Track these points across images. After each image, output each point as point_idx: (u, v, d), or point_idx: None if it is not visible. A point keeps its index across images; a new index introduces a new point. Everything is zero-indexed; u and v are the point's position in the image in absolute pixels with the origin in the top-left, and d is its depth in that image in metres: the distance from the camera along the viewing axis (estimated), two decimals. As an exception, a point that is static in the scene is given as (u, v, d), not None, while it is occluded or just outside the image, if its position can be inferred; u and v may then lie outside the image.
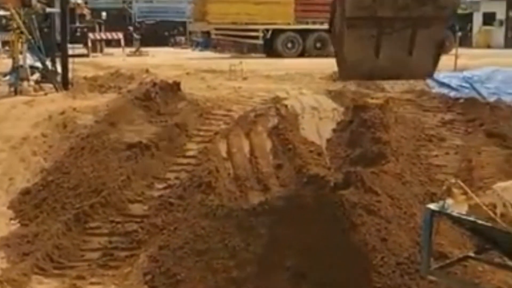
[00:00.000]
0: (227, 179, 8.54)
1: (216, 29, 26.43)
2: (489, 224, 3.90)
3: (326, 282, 5.93)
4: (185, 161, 8.99)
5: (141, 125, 9.86)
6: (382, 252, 6.06)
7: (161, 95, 10.72)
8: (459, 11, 27.15)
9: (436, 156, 8.80)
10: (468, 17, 35.10)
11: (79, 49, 24.10)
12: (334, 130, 9.77)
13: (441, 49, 5.07)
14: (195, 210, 7.30)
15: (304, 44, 25.99)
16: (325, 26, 26.42)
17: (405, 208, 6.70)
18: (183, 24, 39.25)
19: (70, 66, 13.77)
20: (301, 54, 25.79)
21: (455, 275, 5.06)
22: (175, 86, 11.26)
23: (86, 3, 31.25)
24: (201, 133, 9.88)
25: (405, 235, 6.26)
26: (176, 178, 8.45)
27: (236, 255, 6.37)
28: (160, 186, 8.31)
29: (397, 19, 5.00)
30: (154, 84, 11.14)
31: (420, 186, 7.52)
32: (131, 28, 33.92)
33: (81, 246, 7.17)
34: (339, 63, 4.88)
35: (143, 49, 29.99)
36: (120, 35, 28.77)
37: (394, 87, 12.26)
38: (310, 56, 25.30)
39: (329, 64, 15.21)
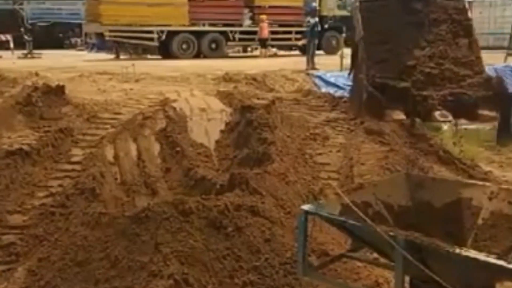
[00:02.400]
0: (113, 184, 8.34)
1: (110, 30, 25.86)
2: (357, 223, 3.93)
3: (211, 288, 5.85)
4: (69, 167, 8.67)
5: (21, 131, 9.43)
6: (266, 253, 6.04)
7: (43, 100, 10.30)
8: (345, 13, 27.77)
9: (320, 154, 8.93)
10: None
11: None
12: (222, 131, 9.75)
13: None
14: (78, 218, 7.02)
15: (199, 46, 25.93)
16: (220, 28, 26.66)
17: (289, 208, 6.72)
18: (79, 25, 38.21)
19: None
20: (197, 55, 25.72)
21: (329, 275, 5.09)
22: (59, 90, 10.87)
23: (-28, 5, 29.95)
24: (87, 137, 9.59)
25: (289, 234, 6.28)
26: (59, 185, 8.11)
27: (117, 264, 6.16)
28: (42, 194, 7.93)
29: None
30: (36, 88, 10.69)
31: (303, 185, 7.58)
32: (22, 30, 32.66)
33: (-47, 263, 6.75)
34: (351, 103, 4.76)
35: (36, 51, 28.98)
36: (9, 37, 27.66)
37: (284, 87, 12.42)
38: (205, 57, 25.29)
39: (223, 65, 15.22)
